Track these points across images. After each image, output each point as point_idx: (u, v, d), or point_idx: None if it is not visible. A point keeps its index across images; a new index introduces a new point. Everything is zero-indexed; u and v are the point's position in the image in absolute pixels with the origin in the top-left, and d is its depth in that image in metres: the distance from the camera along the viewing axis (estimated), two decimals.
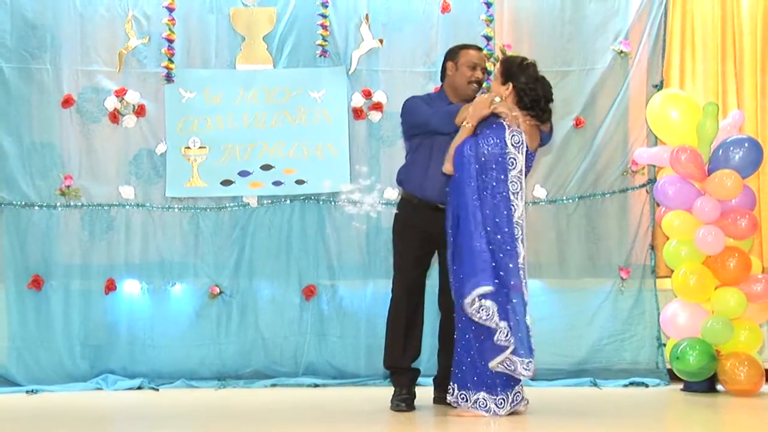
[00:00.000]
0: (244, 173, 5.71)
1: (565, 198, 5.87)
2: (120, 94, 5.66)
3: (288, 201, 5.75)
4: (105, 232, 5.65)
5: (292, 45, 5.75)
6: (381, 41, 5.82)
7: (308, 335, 5.69)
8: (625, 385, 5.64)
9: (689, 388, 5.42)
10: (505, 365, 4.29)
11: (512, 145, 4.35)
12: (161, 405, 4.83)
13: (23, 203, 5.60)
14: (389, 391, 4.89)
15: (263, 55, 5.78)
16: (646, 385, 5.64)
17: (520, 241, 4.34)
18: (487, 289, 4.22)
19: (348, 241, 5.77)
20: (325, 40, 5.77)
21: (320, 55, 5.78)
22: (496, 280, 4.27)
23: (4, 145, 5.59)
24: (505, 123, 4.36)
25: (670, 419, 4.76)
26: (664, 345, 5.69)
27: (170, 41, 5.72)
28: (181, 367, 5.58)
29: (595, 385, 5.63)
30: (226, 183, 5.71)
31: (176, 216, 5.73)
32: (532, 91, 4.40)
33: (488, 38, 5.81)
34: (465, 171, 4.32)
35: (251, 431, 4.13)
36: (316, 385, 5.60)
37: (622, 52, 5.86)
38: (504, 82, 4.44)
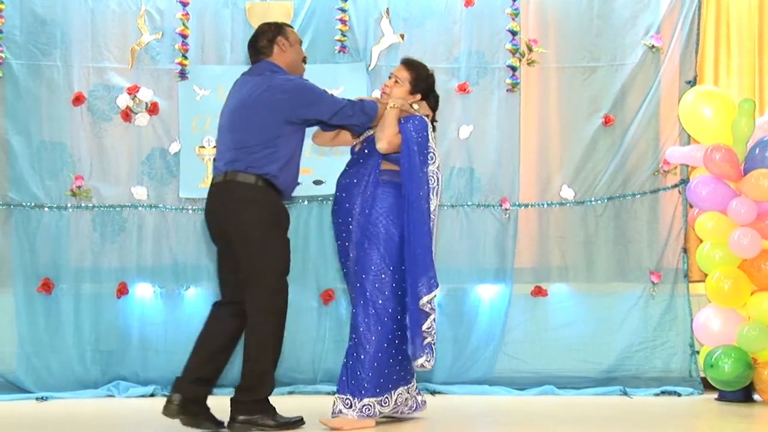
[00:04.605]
0: None
1: (593, 199, 5.83)
2: (132, 91, 5.61)
3: (305, 202, 5.69)
4: (117, 234, 5.61)
5: (309, 40, 5.69)
6: (402, 36, 5.78)
7: (326, 341, 5.64)
8: (657, 394, 5.62)
9: (724, 397, 5.38)
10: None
11: (432, 139, 4.40)
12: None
13: (33, 204, 5.58)
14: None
15: None
16: (679, 394, 5.61)
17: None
18: (437, 291, 4.32)
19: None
20: (344, 36, 5.74)
21: (339, 51, 5.73)
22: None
23: (13, 145, 5.57)
24: (425, 118, 4.42)
25: (704, 430, 4.71)
26: (698, 352, 5.67)
27: (184, 37, 5.69)
28: None
29: (625, 393, 5.58)
30: None
31: (190, 217, 5.69)
32: (434, 103, 4.56)
33: (513, 33, 5.79)
34: (413, 156, 4.29)
35: None
36: (335, 393, 5.47)
37: (653, 46, 5.81)
38: (413, 92, 4.48)
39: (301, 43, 4.47)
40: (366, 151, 4.43)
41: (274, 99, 4.17)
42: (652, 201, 5.81)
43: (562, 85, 5.83)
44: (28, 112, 5.58)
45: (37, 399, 5.30)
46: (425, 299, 4.25)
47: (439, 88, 5.62)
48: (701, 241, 5.57)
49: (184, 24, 5.67)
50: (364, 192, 4.36)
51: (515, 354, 5.71)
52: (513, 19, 5.77)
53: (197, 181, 5.65)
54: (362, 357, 4.25)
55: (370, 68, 5.76)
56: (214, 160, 4.34)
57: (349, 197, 4.39)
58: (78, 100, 5.58)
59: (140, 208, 5.61)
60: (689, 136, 5.71)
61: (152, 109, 5.63)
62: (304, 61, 4.46)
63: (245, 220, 4.14)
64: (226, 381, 5.36)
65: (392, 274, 4.29)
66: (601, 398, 5.49)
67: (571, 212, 5.80)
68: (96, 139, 5.62)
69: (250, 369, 4.17)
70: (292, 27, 4.49)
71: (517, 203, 5.78)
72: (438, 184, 4.40)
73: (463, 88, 5.76)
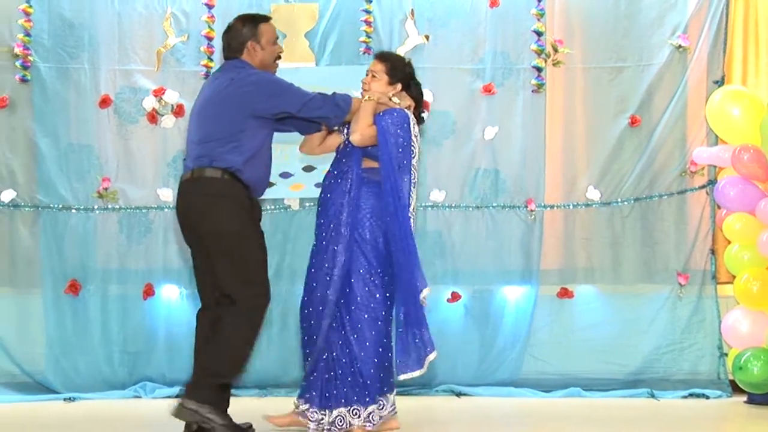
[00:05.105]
0: (285, 174, 5.61)
1: (619, 200, 5.80)
2: (158, 93, 5.63)
3: (312, 205, 5.63)
4: (143, 236, 5.63)
5: (334, 42, 5.71)
6: (427, 37, 5.77)
7: None
8: (684, 397, 5.59)
9: (753, 400, 5.37)
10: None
11: (414, 134, 4.31)
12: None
13: (60, 206, 5.62)
14: (430, 400, 4.90)
15: (305, 52, 5.75)
16: (707, 397, 5.57)
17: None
18: (427, 291, 4.22)
19: None
20: (369, 37, 5.74)
21: (364, 53, 5.72)
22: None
23: (41, 147, 5.61)
24: (406, 111, 4.33)
25: None
26: (726, 355, 5.64)
27: (209, 39, 5.70)
28: None
29: (653, 396, 5.57)
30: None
31: None
32: (417, 92, 4.45)
33: (539, 33, 5.77)
34: (390, 148, 4.21)
35: None
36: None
37: (680, 46, 5.78)
38: (392, 82, 4.37)
39: (277, 39, 4.35)
40: (348, 149, 4.35)
41: (239, 92, 4.10)
42: (679, 202, 5.78)
43: (588, 85, 5.81)
44: (55, 115, 5.61)
45: (64, 400, 5.33)
46: (425, 292, 4.16)
47: (464, 88, 5.77)
48: (729, 242, 5.57)
49: (209, 26, 5.68)
50: (348, 192, 4.27)
51: (541, 356, 5.70)
52: (538, 20, 5.75)
53: None
54: (359, 364, 4.16)
55: None
56: (184, 159, 4.28)
57: (334, 198, 4.31)
58: (105, 102, 5.60)
59: (166, 210, 5.62)
60: (717, 136, 5.69)
61: (178, 111, 5.64)
62: (279, 57, 4.36)
63: (217, 213, 4.06)
64: (250, 382, 5.42)
65: (381, 277, 4.22)
66: (628, 401, 5.48)
67: (597, 213, 5.78)
68: (122, 141, 5.64)
69: (218, 353, 4.03)
70: (269, 21, 4.35)
71: (542, 204, 5.76)
72: (416, 180, 4.33)
73: (488, 89, 5.74)
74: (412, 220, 4.25)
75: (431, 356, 4.20)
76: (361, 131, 4.21)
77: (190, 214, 4.12)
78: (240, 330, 4.04)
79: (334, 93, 4.29)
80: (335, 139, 4.45)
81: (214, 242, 4.06)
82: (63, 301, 5.55)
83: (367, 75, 4.41)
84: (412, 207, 4.27)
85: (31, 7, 5.57)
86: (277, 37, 4.36)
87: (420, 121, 4.44)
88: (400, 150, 4.24)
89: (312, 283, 4.27)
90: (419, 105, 4.46)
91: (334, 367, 4.19)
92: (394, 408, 4.29)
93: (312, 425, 4.18)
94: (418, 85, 4.46)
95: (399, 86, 4.37)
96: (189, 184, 4.13)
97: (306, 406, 4.21)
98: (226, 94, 4.12)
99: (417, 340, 4.19)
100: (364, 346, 4.17)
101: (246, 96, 4.10)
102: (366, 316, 4.19)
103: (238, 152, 4.08)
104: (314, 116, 4.26)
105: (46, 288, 5.55)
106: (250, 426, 4.21)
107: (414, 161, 4.28)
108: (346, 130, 4.41)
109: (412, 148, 4.28)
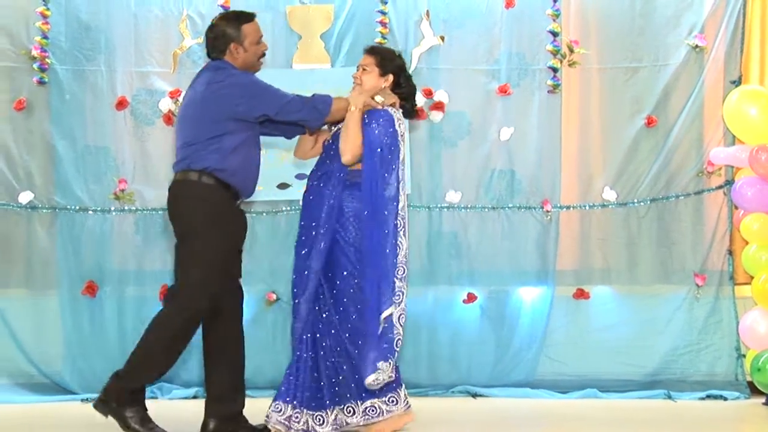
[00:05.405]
0: (300, 176, 5.61)
1: (636, 200, 5.79)
2: (174, 95, 5.65)
3: None
4: (159, 237, 5.64)
5: (350, 43, 5.71)
6: (442, 38, 5.78)
7: None
8: (702, 398, 5.57)
9: None
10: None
11: (400, 132, 4.35)
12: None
13: (77, 208, 5.66)
14: (446, 401, 4.92)
15: (320, 53, 5.77)
16: (725, 398, 5.55)
17: (402, 234, 4.31)
18: (391, 310, 4.20)
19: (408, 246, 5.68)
20: (384, 38, 5.73)
21: None
22: None
23: (58, 149, 5.65)
24: (390, 110, 4.35)
25: None
26: (744, 356, 5.63)
27: None
28: None
29: (670, 397, 5.56)
30: (283, 186, 5.67)
31: None
32: (408, 85, 4.47)
33: (555, 34, 5.77)
34: (379, 167, 4.23)
35: None
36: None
37: (696, 46, 5.76)
38: (383, 74, 4.40)
39: (260, 38, 4.35)
40: (332, 150, 4.35)
41: (217, 95, 4.12)
42: (696, 202, 5.77)
43: (603, 86, 5.81)
44: (72, 117, 5.65)
45: (82, 400, 5.35)
46: (386, 313, 4.16)
47: (480, 89, 5.77)
48: (747, 242, 5.56)
49: None
50: (330, 195, 4.29)
51: (557, 357, 5.70)
52: (554, 20, 5.74)
53: None
54: (355, 362, 4.21)
55: (410, 70, 5.58)
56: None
57: (317, 200, 4.32)
58: (121, 104, 5.63)
59: None
60: (734, 136, 5.67)
61: None
62: (263, 56, 4.38)
63: (183, 215, 4.15)
64: (263, 383, 5.44)
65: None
66: (645, 402, 5.48)
67: (613, 214, 5.78)
68: (139, 142, 5.67)
69: (137, 354, 4.12)
70: (252, 21, 4.34)
71: (558, 205, 5.77)
72: (404, 178, 4.37)
73: (503, 90, 5.75)
74: (402, 218, 4.29)
75: (369, 378, 4.16)
76: (352, 153, 4.23)
77: (169, 216, 4.24)
78: (161, 328, 4.10)
79: (313, 95, 4.31)
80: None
81: (178, 241, 4.17)
82: (80, 303, 5.59)
83: (357, 70, 4.44)
84: (400, 207, 4.30)
85: (48, 9, 5.60)
86: (261, 36, 4.36)
87: (411, 115, 4.48)
88: (389, 156, 4.26)
89: (293, 288, 4.34)
90: (411, 98, 4.48)
91: (336, 369, 4.24)
92: (408, 403, 4.35)
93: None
94: (409, 77, 4.48)
95: (390, 77, 4.40)
96: (171, 188, 4.22)
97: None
98: (204, 97, 4.15)
99: (353, 361, 4.22)
100: (357, 344, 4.20)
101: (224, 99, 4.12)
102: (355, 316, 4.23)
103: (219, 153, 4.11)
104: (293, 119, 4.28)
105: (62, 289, 5.59)
106: (265, 428, 4.25)
107: (401, 160, 4.31)
108: (334, 128, 4.42)
109: (399, 146, 4.32)
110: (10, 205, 5.61)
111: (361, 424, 4.25)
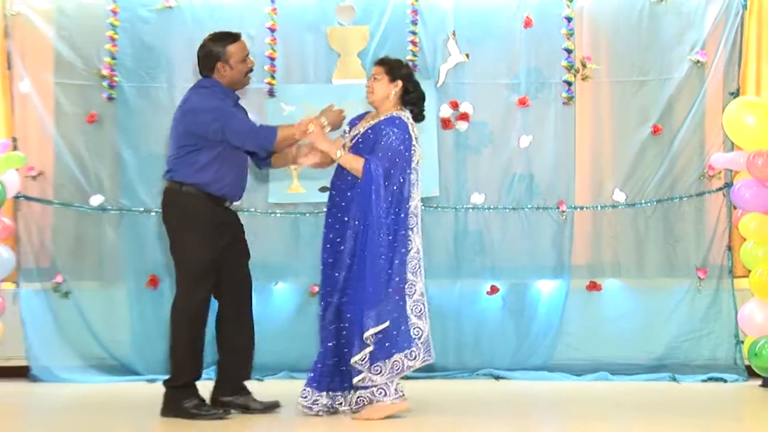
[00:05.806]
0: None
1: (643, 201, 5.91)
2: None
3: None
4: None
5: None
6: (467, 56, 5.94)
7: None
8: (704, 380, 5.66)
9: None
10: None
11: (414, 137, 4.40)
12: (263, 394, 4.80)
13: (141, 209, 5.93)
14: (472, 383, 5.06)
15: (357, 70, 5.97)
16: (725, 381, 5.64)
17: (413, 232, 4.36)
18: (384, 326, 4.23)
19: (437, 243, 5.88)
20: (415, 55, 5.89)
21: None
22: (389, 289, 4.29)
23: (124, 157, 5.93)
24: (402, 116, 4.40)
25: (749, 414, 4.81)
26: (742, 342, 5.70)
27: (272, 59, 5.96)
28: (283, 360, 5.75)
29: (674, 380, 5.67)
30: (324, 189, 5.60)
31: (278, 220, 5.95)
32: (416, 90, 4.48)
33: (569, 51, 5.92)
34: (376, 189, 4.25)
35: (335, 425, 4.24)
36: (407, 378, 5.77)
37: (698, 61, 5.88)
38: (392, 80, 4.43)
39: (246, 55, 4.41)
40: (352, 152, 4.41)
41: (182, 117, 4.37)
42: (698, 203, 5.87)
43: (613, 97, 5.93)
44: (136, 128, 5.91)
45: (147, 381, 5.61)
46: (371, 332, 4.16)
47: (501, 101, 5.83)
48: (744, 239, 5.63)
49: (272, 47, 5.94)
50: (356, 192, 4.30)
51: (572, 343, 5.83)
52: (568, 39, 5.89)
53: (284, 188, 5.93)
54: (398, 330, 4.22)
55: (438, 84, 5.93)
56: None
57: (342, 198, 4.37)
58: None
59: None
60: (732, 143, 5.73)
61: None
62: (250, 71, 4.46)
63: (165, 221, 4.46)
64: (306, 366, 5.44)
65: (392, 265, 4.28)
66: (652, 384, 5.57)
67: (622, 214, 5.90)
68: None
69: (170, 356, 4.44)
70: (238, 40, 4.40)
71: (572, 206, 5.91)
72: (417, 180, 4.38)
73: (523, 102, 5.92)
74: (414, 219, 4.33)
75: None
76: (360, 173, 4.30)
77: (162, 220, 4.55)
78: (173, 333, 4.41)
79: (260, 126, 4.44)
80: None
81: (169, 242, 4.46)
82: (144, 294, 5.85)
83: (369, 80, 4.52)
84: (414, 207, 4.36)
85: (116, 33, 5.90)
86: (247, 54, 4.44)
87: (420, 118, 4.49)
88: (403, 163, 4.30)
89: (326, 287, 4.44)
90: (420, 103, 4.48)
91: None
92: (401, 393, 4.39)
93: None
94: (417, 83, 4.50)
95: (400, 84, 4.43)
96: (162, 195, 4.51)
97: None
98: (176, 116, 4.44)
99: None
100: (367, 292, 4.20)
101: (185, 118, 4.37)
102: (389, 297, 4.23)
103: (195, 166, 4.32)
104: (240, 146, 4.37)
105: (129, 282, 5.87)
106: (277, 403, 4.52)
107: (414, 164, 4.36)
108: (345, 134, 4.51)
109: (413, 150, 4.36)
110: (83, 207, 5.93)
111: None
